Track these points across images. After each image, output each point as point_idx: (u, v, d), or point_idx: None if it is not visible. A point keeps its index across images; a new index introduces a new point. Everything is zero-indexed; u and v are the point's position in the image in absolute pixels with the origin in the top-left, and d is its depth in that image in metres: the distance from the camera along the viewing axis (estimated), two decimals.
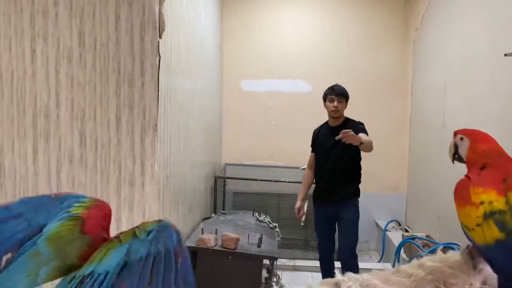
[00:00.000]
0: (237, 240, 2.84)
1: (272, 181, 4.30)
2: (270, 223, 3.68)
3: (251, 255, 2.79)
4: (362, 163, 3.21)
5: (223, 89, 4.70)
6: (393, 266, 3.48)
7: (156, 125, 2.23)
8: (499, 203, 0.64)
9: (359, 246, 4.96)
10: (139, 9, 2.20)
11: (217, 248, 2.81)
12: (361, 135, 3.02)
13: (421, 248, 3.28)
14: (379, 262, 4.11)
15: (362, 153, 3.15)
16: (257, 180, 4.36)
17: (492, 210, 0.64)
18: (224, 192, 4.44)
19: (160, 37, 2.24)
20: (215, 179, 4.13)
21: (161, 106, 2.30)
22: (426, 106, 3.98)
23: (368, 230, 4.57)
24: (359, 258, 3.22)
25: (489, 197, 0.65)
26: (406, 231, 4.30)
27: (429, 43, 3.93)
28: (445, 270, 0.55)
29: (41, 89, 2.22)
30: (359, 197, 3.19)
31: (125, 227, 2.32)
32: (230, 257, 2.76)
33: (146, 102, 2.21)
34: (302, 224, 3.43)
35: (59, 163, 2.25)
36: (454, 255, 0.60)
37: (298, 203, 3.28)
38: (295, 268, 3.93)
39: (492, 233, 0.62)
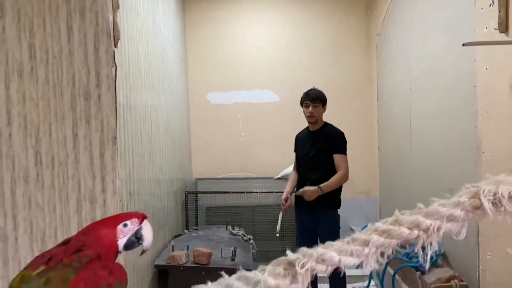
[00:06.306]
0: (210, 254, 2.74)
1: (244, 192, 4.23)
2: (244, 235, 3.59)
3: (225, 269, 2.68)
4: None
5: (190, 103, 4.62)
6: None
7: (115, 138, 2.13)
8: None
9: None
10: (92, 18, 2.11)
11: (189, 264, 2.69)
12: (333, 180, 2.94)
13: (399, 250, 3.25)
14: (357, 268, 4.06)
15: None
16: (228, 192, 4.28)
17: None
18: (196, 208, 4.32)
19: (115, 46, 2.16)
20: (185, 194, 4.01)
21: (120, 118, 2.20)
22: (393, 108, 4.01)
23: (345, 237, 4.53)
24: None
25: None
26: None
27: (390, 47, 3.98)
28: (402, 231, 0.51)
29: None
30: (339, 208, 3.10)
31: None
32: (203, 272, 2.64)
33: (104, 114, 2.11)
34: (277, 235, 3.28)
35: (14, 183, 2.12)
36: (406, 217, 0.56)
37: (284, 195, 3.12)
38: None
39: None
